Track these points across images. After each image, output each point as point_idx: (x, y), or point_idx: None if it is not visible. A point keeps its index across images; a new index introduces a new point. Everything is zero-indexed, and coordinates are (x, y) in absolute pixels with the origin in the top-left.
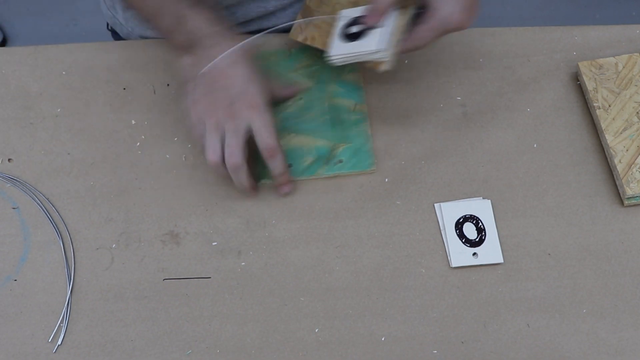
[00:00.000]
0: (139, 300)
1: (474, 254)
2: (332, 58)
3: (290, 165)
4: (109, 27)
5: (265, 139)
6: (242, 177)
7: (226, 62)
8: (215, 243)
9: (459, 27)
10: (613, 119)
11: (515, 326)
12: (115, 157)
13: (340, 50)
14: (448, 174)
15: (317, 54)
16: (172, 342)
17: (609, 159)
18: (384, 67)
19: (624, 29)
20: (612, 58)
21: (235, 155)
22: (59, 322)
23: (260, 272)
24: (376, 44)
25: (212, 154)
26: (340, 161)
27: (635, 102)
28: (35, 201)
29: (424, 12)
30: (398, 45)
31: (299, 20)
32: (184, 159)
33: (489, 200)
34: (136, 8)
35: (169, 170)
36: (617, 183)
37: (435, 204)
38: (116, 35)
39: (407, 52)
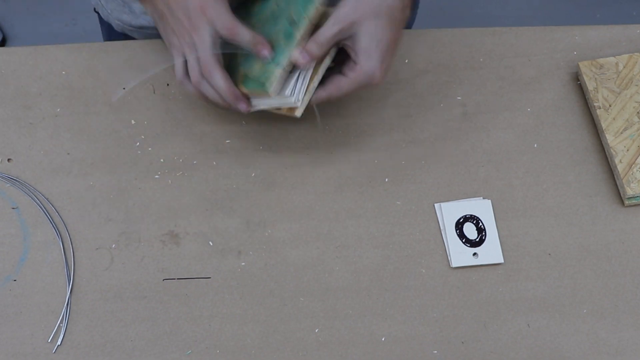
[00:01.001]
0: (139, 300)
1: (474, 254)
2: (253, 106)
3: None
4: (95, 9)
5: (222, 24)
6: (208, 88)
7: None
8: (215, 243)
9: (377, 84)
10: (613, 118)
11: (515, 326)
12: (115, 157)
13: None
14: (448, 174)
15: None
16: (172, 342)
17: (609, 159)
18: (297, 113)
19: (624, 29)
20: (612, 58)
21: (193, 69)
22: (58, 322)
23: (260, 272)
24: (291, 91)
25: (176, 72)
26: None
27: (636, 102)
28: (35, 201)
29: (345, 64)
30: (312, 93)
31: None
32: (183, 159)
33: (489, 200)
34: None
35: (169, 170)
36: (617, 183)
37: (435, 204)
38: (101, 18)
39: (321, 102)
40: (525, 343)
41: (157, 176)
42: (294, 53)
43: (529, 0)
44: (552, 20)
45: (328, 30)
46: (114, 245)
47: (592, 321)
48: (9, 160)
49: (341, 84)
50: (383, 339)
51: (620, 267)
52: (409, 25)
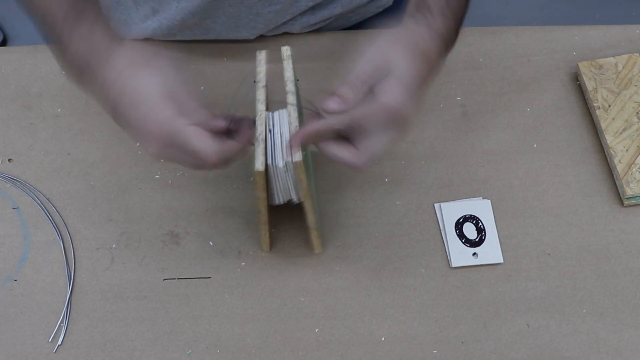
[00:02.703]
0: (139, 300)
1: (474, 254)
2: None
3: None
4: None
5: (199, 160)
6: (230, 157)
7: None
8: (215, 243)
9: (406, 119)
10: (613, 119)
11: (515, 326)
12: (115, 157)
13: None
14: (448, 174)
15: None
16: (172, 342)
17: (608, 159)
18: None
19: (624, 29)
20: (612, 58)
21: (207, 159)
22: (59, 322)
23: (260, 272)
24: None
25: (197, 167)
26: None
27: (635, 102)
28: (35, 201)
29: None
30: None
31: None
32: None
33: (489, 200)
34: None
35: (169, 170)
36: (617, 183)
37: (435, 204)
38: None
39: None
40: (525, 343)
41: (157, 176)
42: (325, 102)
43: (529, 0)
44: (552, 20)
45: (364, 67)
46: (114, 245)
47: (592, 321)
48: (9, 160)
49: (356, 112)
50: (383, 339)
51: (619, 267)
52: None
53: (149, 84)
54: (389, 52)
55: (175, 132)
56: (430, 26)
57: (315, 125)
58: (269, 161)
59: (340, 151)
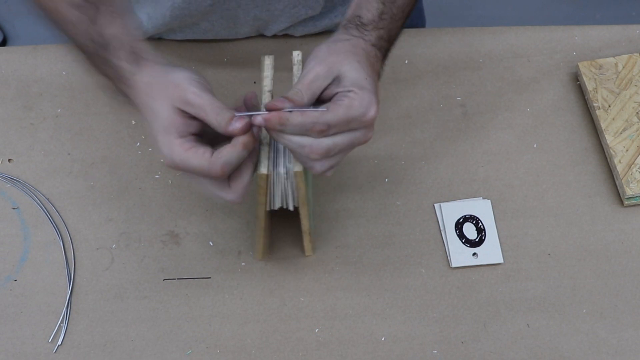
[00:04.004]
0: (139, 300)
1: (474, 254)
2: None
3: None
4: None
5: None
6: (232, 162)
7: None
8: (215, 243)
9: (371, 121)
10: (613, 119)
11: (515, 326)
12: (115, 157)
13: None
14: (448, 174)
15: None
16: (172, 342)
17: (608, 159)
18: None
19: (624, 29)
20: (612, 58)
21: (211, 173)
22: (59, 322)
23: (260, 272)
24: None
25: (223, 198)
26: None
27: (635, 102)
28: (35, 201)
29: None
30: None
31: None
32: None
33: (489, 200)
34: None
35: (169, 170)
36: (617, 183)
37: (435, 204)
38: None
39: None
40: (525, 343)
41: (157, 176)
42: (274, 101)
43: (529, 0)
44: (552, 20)
45: (309, 73)
46: (114, 245)
47: (592, 321)
48: (9, 160)
49: (325, 115)
50: (383, 339)
51: (619, 267)
52: (417, 25)
53: (157, 119)
54: (333, 57)
55: (180, 163)
56: (366, 39)
57: (295, 115)
58: (271, 168)
59: (302, 138)
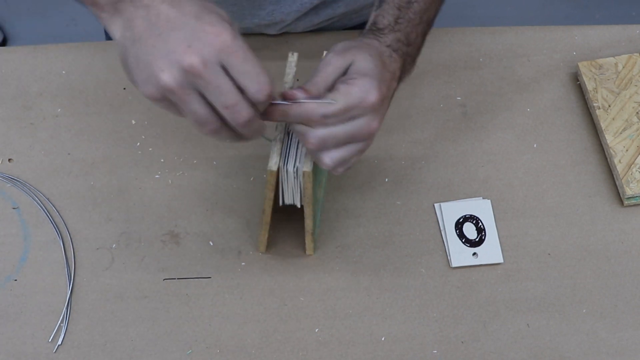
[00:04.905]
0: (139, 300)
1: (474, 254)
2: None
3: None
4: None
5: (252, 84)
6: (256, 126)
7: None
8: (215, 243)
9: (373, 107)
10: (613, 119)
11: (515, 326)
12: (115, 157)
13: None
14: (448, 174)
15: None
16: (172, 342)
17: (608, 159)
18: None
19: (624, 29)
20: (611, 58)
21: (240, 110)
22: (59, 322)
23: (260, 272)
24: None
25: (208, 126)
26: None
27: (635, 102)
28: (35, 201)
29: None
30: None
31: None
32: (183, 158)
33: (489, 200)
34: None
35: (169, 170)
36: (616, 183)
37: (435, 204)
38: None
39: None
40: (525, 343)
41: (157, 176)
42: (292, 91)
43: (529, 0)
44: (552, 20)
45: (327, 66)
46: (114, 245)
47: (592, 321)
48: (9, 160)
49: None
50: (383, 339)
51: (619, 267)
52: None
53: (202, 7)
54: (348, 51)
55: (237, 44)
56: (381, 41)
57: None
58: (281, 164)
59: (299, 126)
